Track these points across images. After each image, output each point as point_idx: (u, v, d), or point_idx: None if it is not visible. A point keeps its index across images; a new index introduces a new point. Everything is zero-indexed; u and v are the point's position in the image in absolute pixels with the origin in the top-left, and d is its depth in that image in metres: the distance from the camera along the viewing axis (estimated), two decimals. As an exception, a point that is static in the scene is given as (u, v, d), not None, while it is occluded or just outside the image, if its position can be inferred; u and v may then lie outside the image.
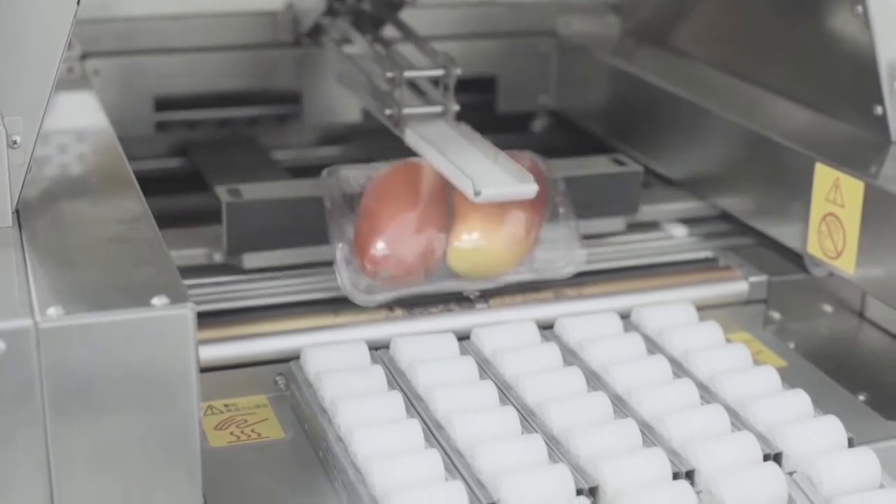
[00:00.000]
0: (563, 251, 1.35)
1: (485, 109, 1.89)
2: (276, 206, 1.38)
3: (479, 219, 1.29)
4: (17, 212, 1.05)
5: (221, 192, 1.38)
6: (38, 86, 1.02)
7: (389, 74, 1.44)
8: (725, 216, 1.52)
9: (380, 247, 1.26)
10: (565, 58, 1.87)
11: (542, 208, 1.32)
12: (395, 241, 1.27)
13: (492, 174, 1.27)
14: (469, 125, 1.41)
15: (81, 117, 1.38)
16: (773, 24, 1.53)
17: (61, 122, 1.31)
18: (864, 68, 1.33)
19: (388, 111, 1.44)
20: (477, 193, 1.21)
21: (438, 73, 1.46)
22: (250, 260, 1.38)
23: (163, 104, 1.74)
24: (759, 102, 1.50)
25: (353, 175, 1.33)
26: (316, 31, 1.74)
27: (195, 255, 1.39)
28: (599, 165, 1.53)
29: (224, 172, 1.63)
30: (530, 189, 1.23)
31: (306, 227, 1.36)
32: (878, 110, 1.33)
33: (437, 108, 1.44)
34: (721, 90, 1.56)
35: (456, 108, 1.44)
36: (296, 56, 1.78)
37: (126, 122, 1.63)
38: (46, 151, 1.21)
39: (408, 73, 1.45)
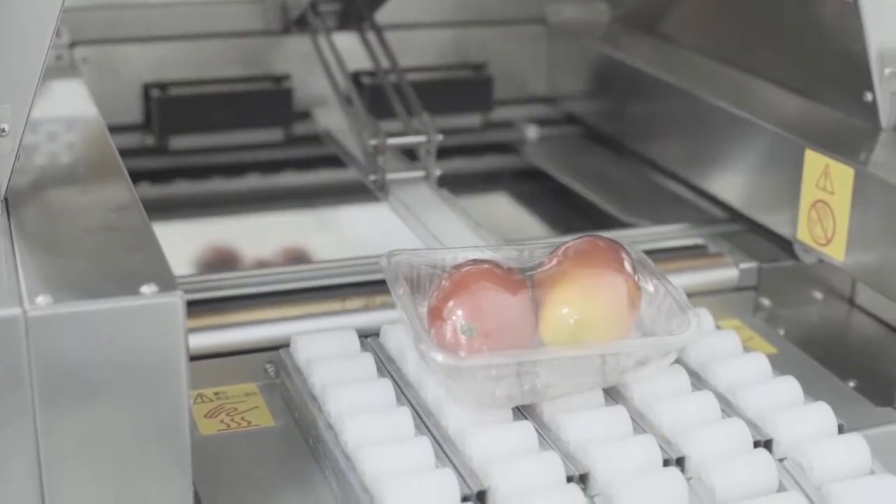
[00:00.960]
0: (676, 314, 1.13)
1: (475, 96, 1.89)
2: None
3: (576, 291, 1.11)
4: (5, 200, 1.04)
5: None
6: (27, 74, 1.02)
7: (373, 142, 1.47)
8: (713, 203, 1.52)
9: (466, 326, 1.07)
10: (555, 45, 1.87)
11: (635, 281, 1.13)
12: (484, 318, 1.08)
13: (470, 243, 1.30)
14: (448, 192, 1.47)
15: (70, 105, 1.38)
16: (762, 11, 1.53)
17: (50, 110, 1.31)
18: (854, 55, 1.33)
19: (372, 177, 1.47)
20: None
21: (421, 139, 1.51)
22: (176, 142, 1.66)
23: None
24: (749, 89, 1.50)
25: (416, 260, 1.17)
26: (304, 20, 1.74)
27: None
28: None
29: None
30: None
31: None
32: (868, 97, 1.33)
33: (420, 174, 1.49)
34: (711, 77, 1.56)
35: (438, 172, 1.48)
36: (285, 44, 1.77)
37: (114, 109, 1.63)
38: (35, 139, 1.21)
39: (391, 141, 1.50)
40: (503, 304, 1.08)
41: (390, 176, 1.50)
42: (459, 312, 1.06)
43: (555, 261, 1.13)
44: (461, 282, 1.09)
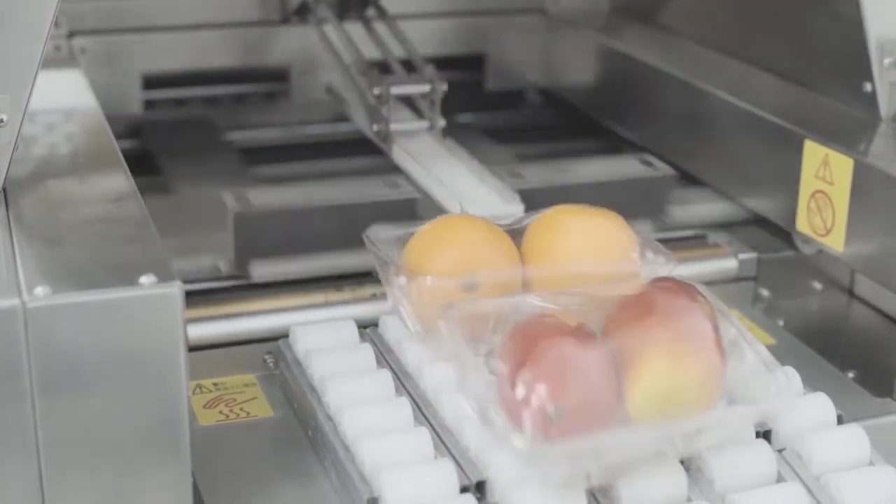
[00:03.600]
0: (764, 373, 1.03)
1: (473, 87, 1.89)
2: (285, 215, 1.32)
3: (665, 353, 0.98)
4: (3, 190, 1.04)
5: (228, 199, 1.31)
6: (25, 64, 1.02)
7: (377, 91, 1.45)
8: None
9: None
10: (554, 35, 1.86)
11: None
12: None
13: (478, 194, 1.28)
14: (454, 140, 1.45)
15: (69, 96, 1.38)
16: (761, 0, 1.52)
17: (48, 101, 1.31)
18: (854, 45, 1.32)
19: (375, 127, 1.45)
20: (463, 212, 1.23)
21: (425, 89, 1.48)
22: (258, 270, 1.32)
23: (151, 82, 1.74)
24: (749, 79, 1.50)
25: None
26: (303, 9, 1.73)
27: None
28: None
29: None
30: (517, 209, 1.23)
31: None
32: (868, 87, 1.33)
33: (425, 124, 1.47)
34: (710, 67, 1.56)
35: (442, 123, 1.46)
36: (284, 34, 1.77)
37: (113, 100, 1.63)
38: (33, 130, 1.21)
39: (395, 90, 1.46)
40: (587, 373, 0.95)
41: (394, 126, 1.47)
42: (543, 391, 0.92)
43: (628, 311, 1.02)
44: (535, 344, 0.96)
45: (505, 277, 1.11)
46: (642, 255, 1.15)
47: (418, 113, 1.52)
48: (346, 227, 1.27)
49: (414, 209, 1.34)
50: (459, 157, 1.40)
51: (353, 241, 1.20)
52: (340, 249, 1.32)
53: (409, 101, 1.52)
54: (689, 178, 1.53)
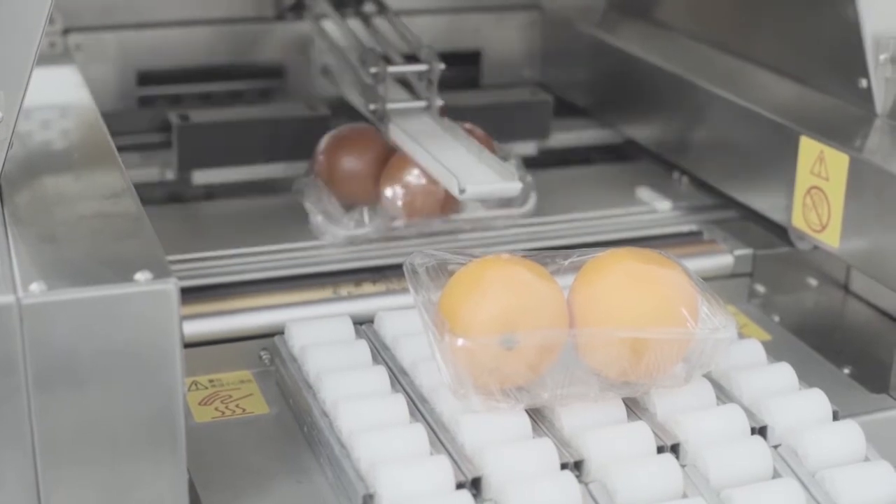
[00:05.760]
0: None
1: (469, 83, 1.89)
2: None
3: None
4: (-1, 187, 1.04)
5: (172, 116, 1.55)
6: (20, 60, 1.01)
7: (373, 70, 1.45)
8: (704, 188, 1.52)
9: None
10: (550, 31, 1.86)
11: None
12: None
13: (476, 172, 1.27)
14: (451, 119, 1.44)
15: (64, 92, 1.38)
16: (757, -3, 1.53)
17: (44, 98, 1.31)
18: (850, 41, 1.32)
19: (372, 106, 1.45)
20: (462, 191, 1.22)
21: (422, 68, 1.48)
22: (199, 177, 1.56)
23: (146, 79, 1.74)
24: (744, 75, 1.50)
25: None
26: (298, 6, 1.73)
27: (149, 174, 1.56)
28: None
29: None
30: (514, 187, 1.24)
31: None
32: (863, 83, 1.33)
33: (422, 103, 1.46)
34: (706, 63, 1.56)
35: (440, 102, 1.46)
36: (279, 30, 1.77)
37: (109, 96, 1.63)
38: (29, 126, 1.21)
39: (392, 69, 1.46)
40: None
41: (391, 105, 1.46)
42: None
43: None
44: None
45: (548, 338, 1.03)
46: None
47: (416, 95, 1.51)
48: (272, 140, 1.58)
49: (327, 127, 1.54)
50: (457, 136, 1.39)
51: (279, 153, 1.58)
52: (270, 161, 1.58)
53: (406, 85, 1.52)
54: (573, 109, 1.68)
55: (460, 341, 1.00)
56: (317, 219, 1.38)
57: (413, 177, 1.38)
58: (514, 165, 1.42)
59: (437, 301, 1.05)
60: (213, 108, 1.66)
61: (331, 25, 1.64)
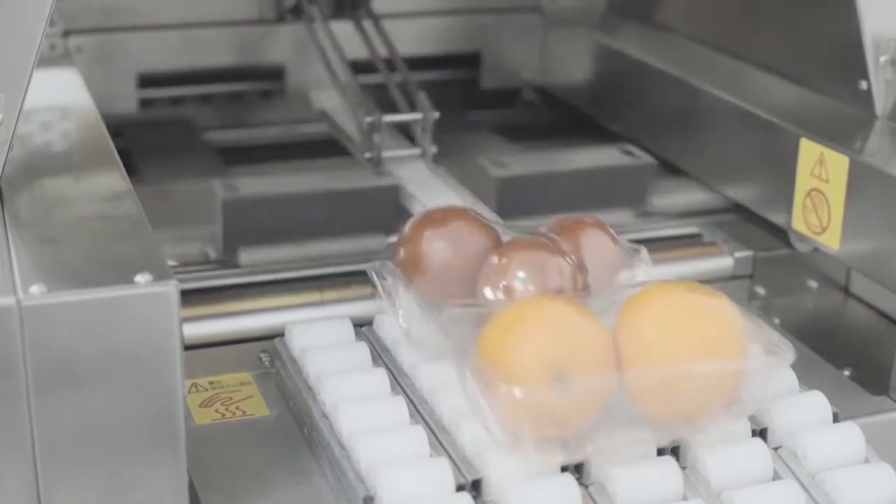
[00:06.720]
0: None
1: (469, 85, 1.89)
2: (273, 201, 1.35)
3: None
4: (-1, 189, 1.04)
5: (217, 187, 1.34)
6: (20, 62, 1.01)
7: (369, 119, 1.46)
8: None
9: None
10: (550, 33, 1.86)
11: None
12: None
13: None
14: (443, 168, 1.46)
15: (64, 94, 1.38)
16: (757, -1, 1.53)
17: (44, 100, 1.31)
18: (850, 43, 1.32)
19: (368, 154, 1.46)
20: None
21: (417, 116, 1.50)
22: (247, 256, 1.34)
23: (146, 81, 1.74)
24: (744, 77, 1.50)
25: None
26: (298, 9, 1.74)
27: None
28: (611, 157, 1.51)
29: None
30: (509, 235, 1.22)
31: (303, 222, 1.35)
32: (863, 85, 1.33)
33: (416, 151, 1.48)
34: (706, 65, 1.56)
35: (434, 150, 1.48)
36: (279, 32, 1.77)
37: (109, 98, 1.63)
38: (29, 129, 1.21)
39: (387, 118, 1.49)
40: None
41: (386, 153, 1.49)
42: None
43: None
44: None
45: (601, 381, 0.98)
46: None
47: (410, 137, 1.55)
48: (331, 214, 1.36)
49: (397, 197, 1.39)
50: (450, 185, 1.42)
51: (339, 227, 1.35)
52: (326, 237, 1.36)
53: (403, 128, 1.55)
54: (669, 168, 1.55)
55: (518, 391, 0.95)
56: (398, 320, 1.14)
57: (520, 281, 1.09)
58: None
59: (476, 348, 0.99)
60: (261, 177, 1.51)
61: (324, 33, 1.65)
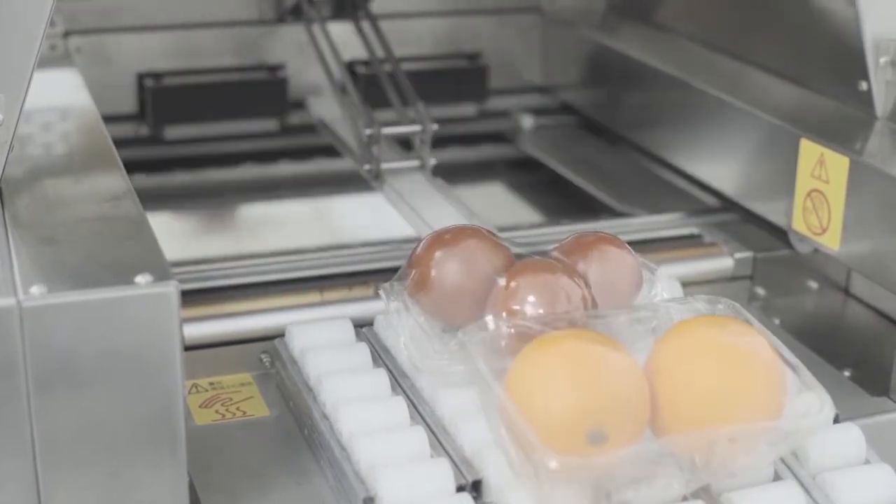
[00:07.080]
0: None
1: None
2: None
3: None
4: (-1, 190, 1.04)
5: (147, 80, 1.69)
6: (21, 63, 1.01)
7: (368, 131, 1.47)
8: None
9: None
10: (550, 34, 1.86)
11: None
12: None
13: None
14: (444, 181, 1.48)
15: (64, 95, 1.38)
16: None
17: (44, 100, 1.31)
18: (850, 44, 1.32)
19: (367, 166, 1.47)
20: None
21: (416, 129, 1.51)
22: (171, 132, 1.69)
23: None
24: (744, 78, 1.50)
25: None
26: (298, 10, 1.74)
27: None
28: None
29: None
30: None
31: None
32: (863, 86, 1.33)
33: (415, 163, 1.49)
34: (706, 66, 1.56)
35: (433, 161, 1.48)
36: (280, 33, 1.77)
37: (109, 99, 1.63)
38: (29, 129, 1.21)
39: (386, 131, 1.50)
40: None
41: (385, 165, 1.50)
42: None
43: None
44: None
45: (638, 430, 0.95)
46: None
47: (408, 146, 1.56)
48: (241, 98, 1.75)
49: (286, 89, 1.76)
50: (448, 197, 1.43)
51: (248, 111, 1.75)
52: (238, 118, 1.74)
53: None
54: (669, 168, 1.57)
55: (553, 463, 0.91)
56: (404, 343, 1.12)
57: (529, 305, 1.05)
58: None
59: (502, 386, 0.95)
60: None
61: (323, 36, 1.65)
